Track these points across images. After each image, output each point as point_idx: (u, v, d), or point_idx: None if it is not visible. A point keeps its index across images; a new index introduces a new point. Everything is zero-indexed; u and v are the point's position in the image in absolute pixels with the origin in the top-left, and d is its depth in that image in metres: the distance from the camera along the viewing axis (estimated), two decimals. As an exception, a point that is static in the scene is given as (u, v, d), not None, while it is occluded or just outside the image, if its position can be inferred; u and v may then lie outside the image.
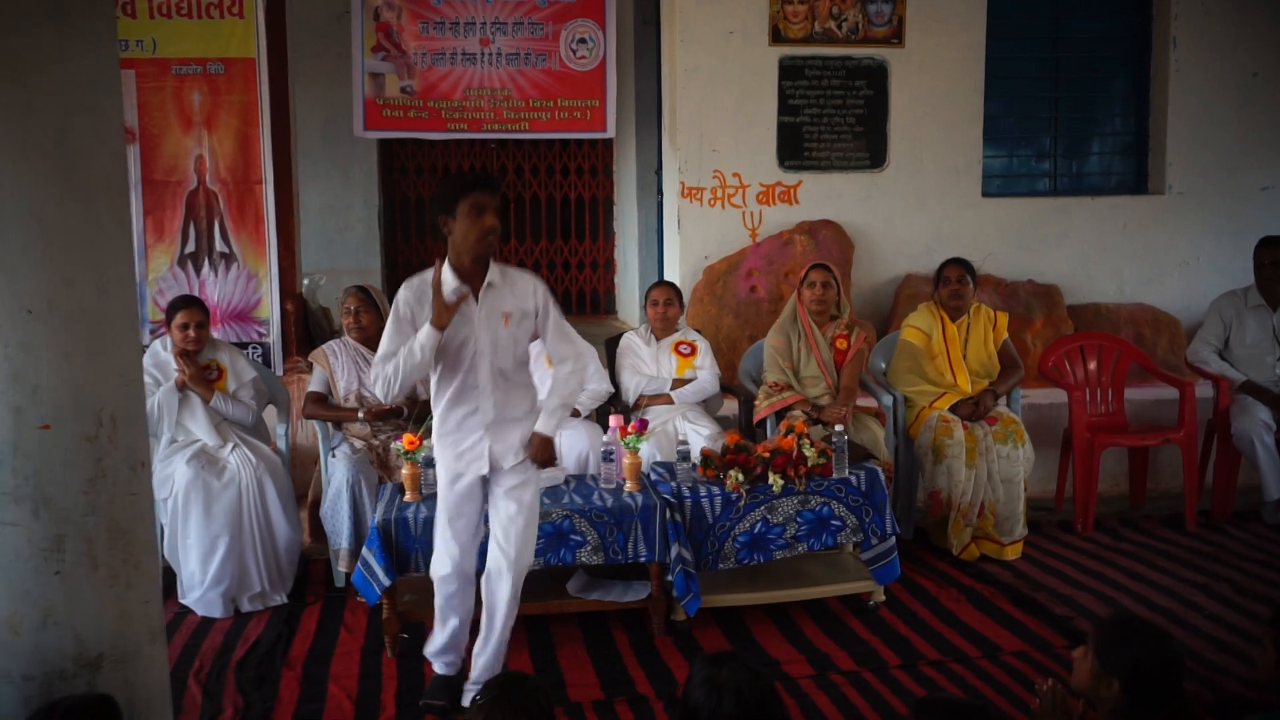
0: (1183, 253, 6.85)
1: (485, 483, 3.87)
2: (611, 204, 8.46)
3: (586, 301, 8.50)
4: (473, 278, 3.73)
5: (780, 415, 5.23)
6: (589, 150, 8.38)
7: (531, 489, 3.90)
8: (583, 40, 6.38)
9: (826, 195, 6.45)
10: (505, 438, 3.83)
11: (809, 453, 4.52)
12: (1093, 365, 5.98)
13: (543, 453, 3.85)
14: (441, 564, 3.86)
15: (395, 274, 8.12)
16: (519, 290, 3.82)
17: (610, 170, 8.42)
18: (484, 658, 3.90)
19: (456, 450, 3.82)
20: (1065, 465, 5.93)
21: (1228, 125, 6.82)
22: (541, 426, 3.86)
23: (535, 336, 3.91)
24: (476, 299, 3.73)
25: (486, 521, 3.92)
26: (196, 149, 5.96)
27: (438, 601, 3.92)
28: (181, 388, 4.89)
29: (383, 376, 3.74)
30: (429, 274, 3.73)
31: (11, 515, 2.65)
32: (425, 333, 3.65)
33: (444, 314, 3.64)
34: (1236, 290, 6.07)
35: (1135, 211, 6.86)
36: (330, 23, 6.81)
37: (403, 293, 3.78)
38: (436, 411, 3.86)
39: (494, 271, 3.76)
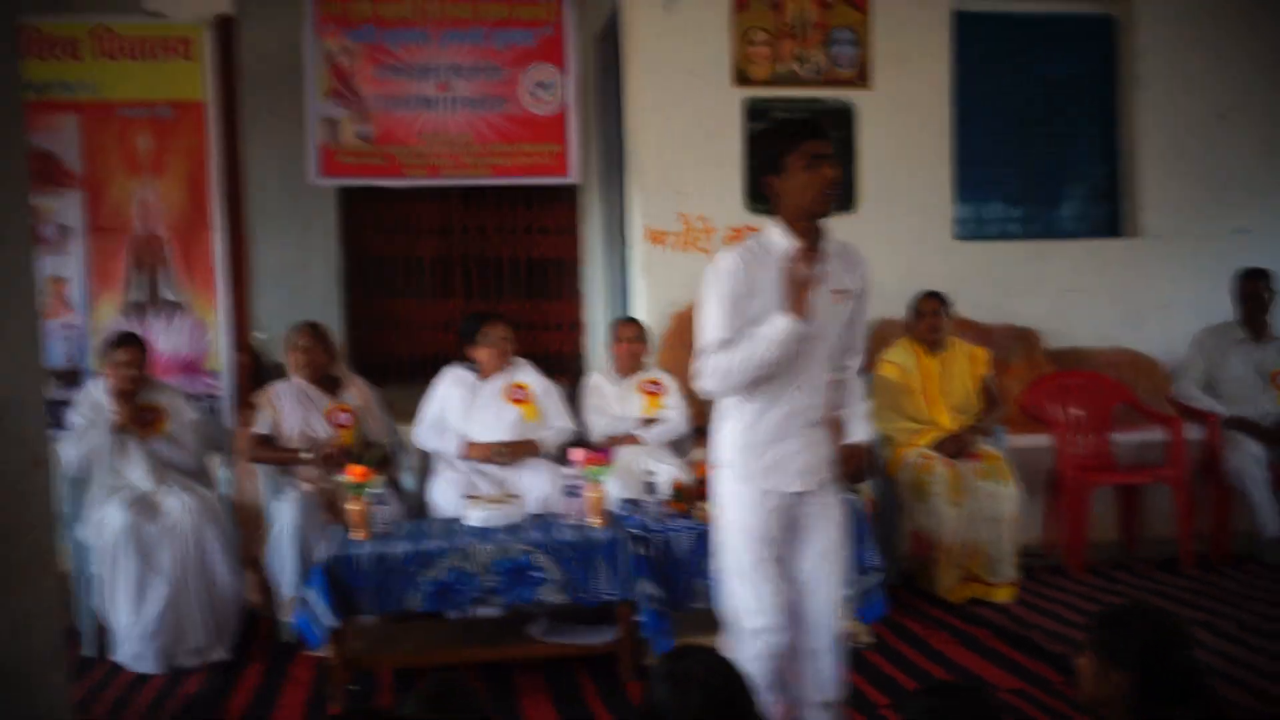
0: (1160, 295, 6.69)
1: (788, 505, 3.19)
2: (578, 264, 8.27)
3: (554, 363, 8.24)
4: (810, 241, 3.09)
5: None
6: (555, 209, 8.21)
7: (844, 512, 3.30)
8: (543, 84, 6.23)
9: (795, 238, 6.27)
10: (818, 446, 3.19)
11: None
12: (1077, 408, 5.77)
13: (859, 466, 3.29)
14: (759, 614, 3.12)
15: (357, 334, 7.87)
16: (852, 263, 3.21)
17: (575, 229, 8.25)
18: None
19: (763, 463, 3.14)
20: (1054, 509, 5.68)
21: (1198, 167, 6.71)
22: (858, 435, 3.28)
23: None
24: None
25: None
26: (143, 194, 5.73)
27: (756, 668, 3.06)
28: (117, 430, 4.59)
29: (717, 369, 3.06)
30: (753, 241, 3.15)
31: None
32: (783, 327, 2.97)
33: (805, 304, 2.98)
34: (1218, 325, 5.93)
35: (1110, 255, 6.72)
36: (286, 71, 6.64)
37: (730, 262, 3.11)
38: (739, 415, 3.17)
39: (830, 239, 3.15)
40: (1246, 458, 5.44)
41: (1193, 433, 5.70)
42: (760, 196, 6.17)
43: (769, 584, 3.15)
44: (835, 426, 3.28)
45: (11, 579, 2.44)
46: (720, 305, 3.10)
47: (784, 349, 3.01)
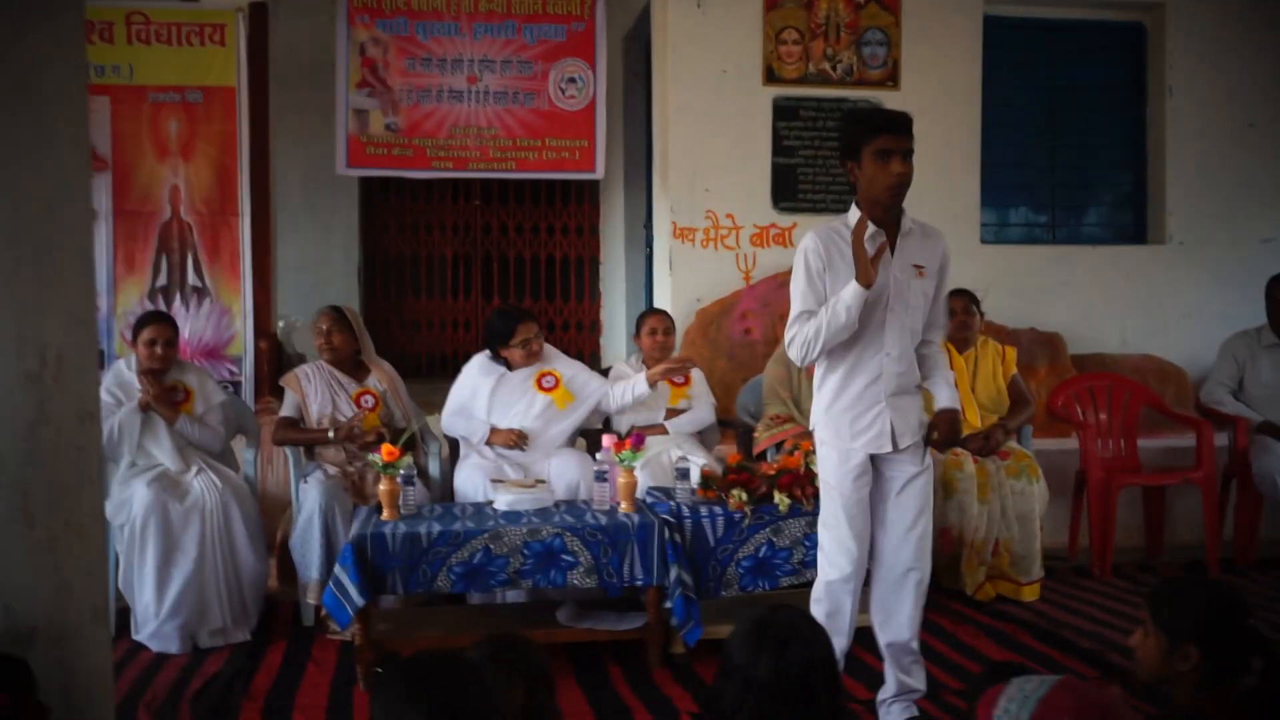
0: (1186, 303, 6.68)
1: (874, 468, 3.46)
2: (598, 264, 8.26)
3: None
4: (886, 225, 3.37)
5: (781, 449, 4.94)
6: (575, 209, 8.21)
7: (929, 478, 3.50)
8: (572, 80, 6.24)
9: (821, 238, 6.25)
10: (905, 413, 3.42)
11: (817, 470, 4.21)
12: (1104, 412, 5.74)
13: (953, 431, 3.48)
14: (841, 565, 3.44)
15: (374, 332, 7.84)
16: (931, 241, 3.48)
17: (597, 229, 8.24)
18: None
19: (853, 427, 3.40)
20: (1078, 512, 5.64)
21: (1227, 175, 6.71)
22: (949, 401, 3.49)
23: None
24: (891, 250, 3.35)
25: None
26: (171, 179, 5.74)
27: (825, 610, 3.46)
28: (145, 408, 4.57)
29: (801, 337, 3.34)
30: (838, 222, 3.43)
31: (-64, 457, 2.34)
32: (851, 292, 3.24)
33: (870, 269, 3.22)
34: (1249, 330, 5.89)
35: (1136, 261, 6.71)
36: (311, 63, 6.64)
37: (810, 241, 3.41)
38: (828, 383, 3.45)
39: (908, 219, 3.43)
40: (1275, 462, 5.39)
41: (1219, 438, 5.66)
42: (785, 195, 6.24)
43: (853, 539, 3.42)
44: (924, 395, 3.56)
45: (65, 536, 2.41)
46: (802, 280, 3.41)
47: (852, 313, 3.26)
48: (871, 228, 3.32)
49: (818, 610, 3.48)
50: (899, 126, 3.34)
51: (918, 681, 3.58)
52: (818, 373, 3.52)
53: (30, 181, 2.37)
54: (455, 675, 1.78)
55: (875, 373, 3.39)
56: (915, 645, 3.56)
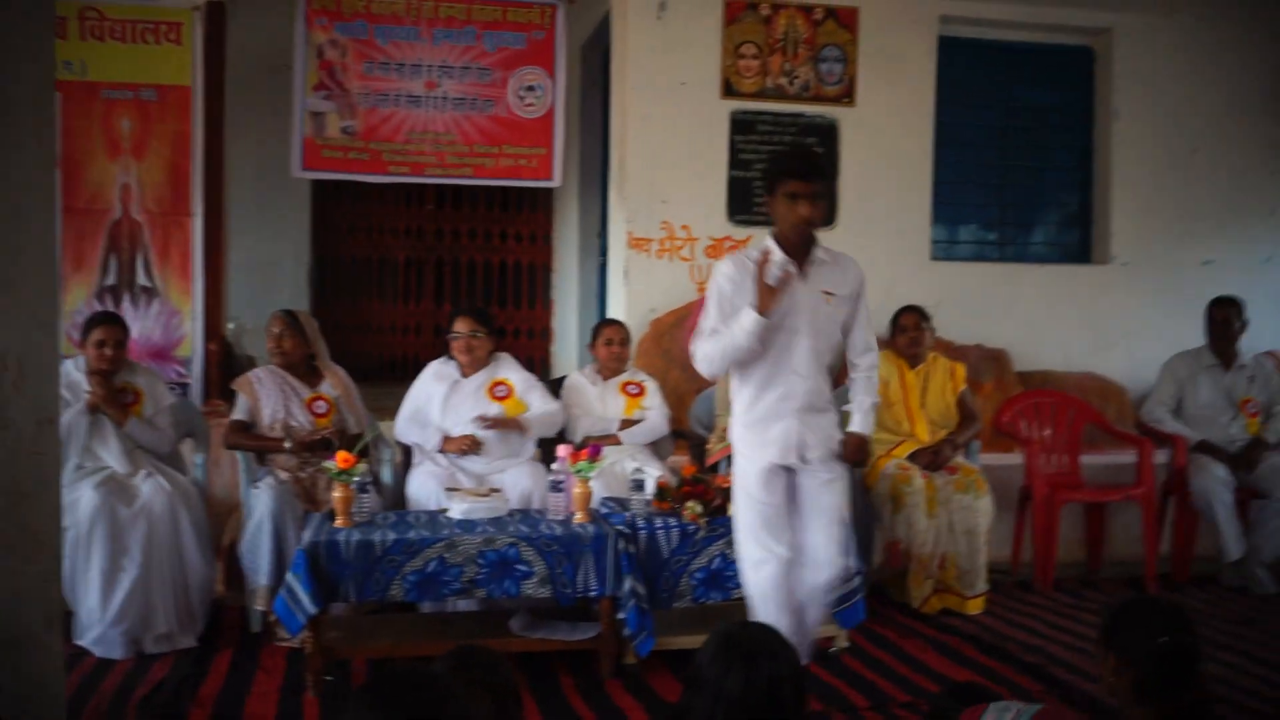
0: (1127, 323, 6.81)
1: (787, 476, 3.73)
2: (550, 271, 8.26)
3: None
4: (799, 254, 3.67)
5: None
6: (529, 215, 8.22)
7: (842, 485, 3.78)
8: (531, 88, 6.24)
9: (776, 251, 6.31)
10: (814, 428, 3.71)
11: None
12: (1048, 428, 5.85)
13: (859, 454, 3.79)
14: (764, 562, 3.68)
15: (325, 334, 7.79)
16: (842, 268, 3.75)
17: (549, 237, 8.25)
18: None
19: (764, 437, 3.69)
20: (1021, 527, 5.74)
21: (1170, 198, 6.87)
22: (859, 426, 3.80)
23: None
24: (803, 274, 3.65)
25: None
26: (123, 177, 5.66)
27: (762, 610, 3.66)
28: (93, 410, 4.51)
29: (704, 354, 3.68)
30: (754, 249, 3.71)
31: (-109, 464, 2.30)
32: (749, 319, 3.55)
33: (769, 299, 3.53)
34: (1189, 351, 6.03)
35: (1081, 281, 6.85)
36: (267, 64, 6.59)
37: (725, 266, 3.71)
38: (742, 396, 3.76)
39: (820, 249, 3.71)
40: (1213, 481, 5.52)
41: (1158, 456, 5.79)
42: (741, 208, 6.28)
43: (770, 537, 3.68)
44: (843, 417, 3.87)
45: (21, 543, 2.38)
46: (714, 302, 3.72)
47: (751, 337, 3.57)
48: (781, 256, 3.63)
49: (773, 615, 3.62)
50: (807, 173, 3.62)
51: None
52: (734, 385, 3.82)
53: (-5, 185, 2.34)
54: (423, 689, 1.78)
55: (785, 389, 3.67)
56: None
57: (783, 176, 3.62)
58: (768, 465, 3.69)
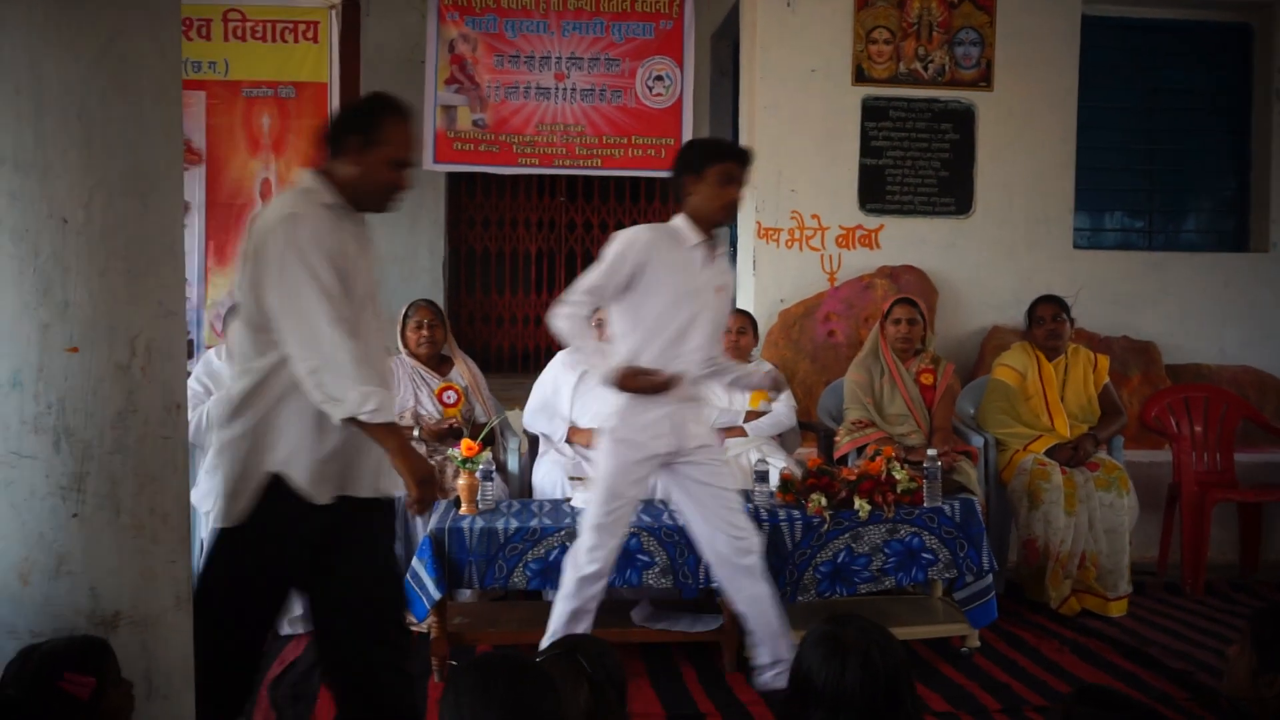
0: (1288, 314, 6.45)
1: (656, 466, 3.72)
2: (681, 263, 8.22)
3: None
4: (706, 239, 3.69)
5: (862, 454, 4.87)
6: (659, 206, 8.18)
7: (731, 468, 3.83)
8: (659, 77, 6.23)
9: (909, 240, 6.16)
10: (697, 414, 3.75)
11: (899, 476, 4.15)
12: (1199, 424, 5.57)
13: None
14: (593, 561, 3.64)
15: (458, 327, 7.92)
16: (727, 267, 3.88)
17: (680, 228, 8.20)
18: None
19: (642, 421, 3.60)
20: (1169, 527, 5.48)
21: (1335, 182, 6.48)
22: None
23: None
24: (711, 259, 3.68)
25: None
26: (263, 172, 5.84)
27: (572, 606, 3.67)
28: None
29: (564, 315, 3.53)
30: (664, 228, 3.66)
31: (30, 447, 2.37)
32: (600, 372, 3.55)
33: (624, 380, 3.52)
34: (1356, 343, 5.67)
35: (1236, 269, 6.49)
36: (400, 59, 6.71)
37: (640, 237, 3.60)
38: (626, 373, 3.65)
39: (723, 243, 3.77)
40: (1381, 482, 5.19)
41: (1323, 456, 5.47)
42: (873, 196, 6.14)
43: (614, 540, 3.65)
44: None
45: (150, 523, 2.45)
46: (607, 265, 3.56)
47: (594, 372, 3.63)
48: (695, 236, 3.61)
49: (565, 605, 3.66)
50: (746, 157, 3.66)
51: (787, 651, 3.71)
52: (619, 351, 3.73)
53: (125, 175, 2.41)
54: (520, 674, 1.77)
55: (675, 372, 3.58)
56: (778, 621, 3.76)
57: (722, 157, 3.59)
58: (637, 448, 3.62)
